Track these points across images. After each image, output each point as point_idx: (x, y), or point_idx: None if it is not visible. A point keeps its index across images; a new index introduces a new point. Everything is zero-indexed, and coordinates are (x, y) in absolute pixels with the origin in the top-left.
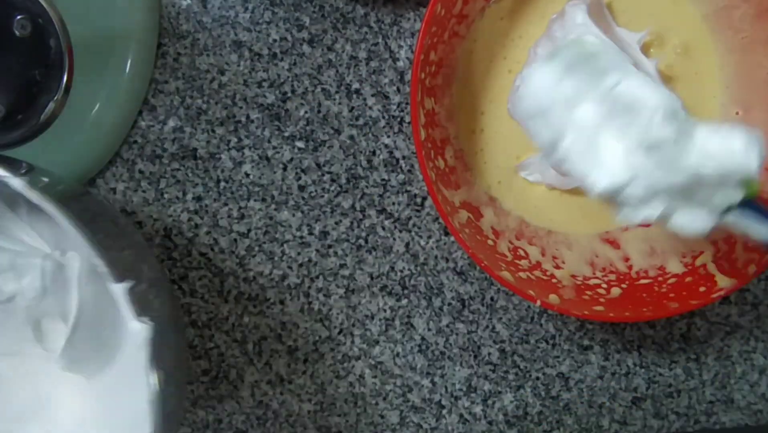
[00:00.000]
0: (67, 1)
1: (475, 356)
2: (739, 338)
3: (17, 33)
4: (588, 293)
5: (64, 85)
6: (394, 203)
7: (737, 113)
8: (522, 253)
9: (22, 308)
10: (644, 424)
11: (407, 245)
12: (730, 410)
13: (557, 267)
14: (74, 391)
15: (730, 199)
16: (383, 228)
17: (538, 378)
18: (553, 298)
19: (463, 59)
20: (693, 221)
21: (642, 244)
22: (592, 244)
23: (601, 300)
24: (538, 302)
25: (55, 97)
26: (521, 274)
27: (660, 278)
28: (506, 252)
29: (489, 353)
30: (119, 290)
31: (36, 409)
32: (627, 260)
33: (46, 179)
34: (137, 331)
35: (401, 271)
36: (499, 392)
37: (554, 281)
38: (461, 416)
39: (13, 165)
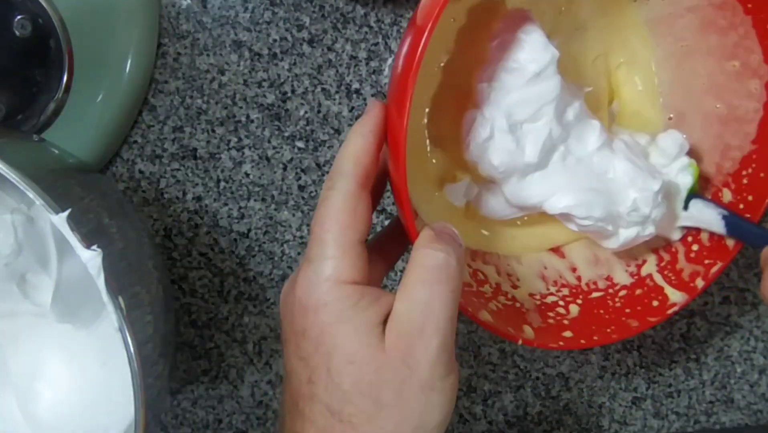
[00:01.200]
0: (67, 1)
1: (475, 356)
2: (739, 338)
3: (17, 33)
4: (550, 314)
5: (64, 85)
6: (394, 203)
7: (670, 118)
8: (481, 276)
9: (1, 266)
10: (644, 424)
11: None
12: (730, 410)
13: (514, 286)
14: (72, 345)
15: (686, 184)
16: (383, 228)
17: (538, 378)
18: (527, 331)
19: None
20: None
21: (585, 251)
22: (539, 255)
23: (565, 321)
24: (520, 341)
25: (55, 97)
26: (491, 305)
27: (611, 290)
28: (469, 279)
29: (489, 353)
30: (61, 221)
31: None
32: (574, 270)
33: (56, 151)
34: (89, 258)
35: (401, 271)
36: (499, 392)
37: (517, 305)
38: (461, 416)
39: (24, 136)
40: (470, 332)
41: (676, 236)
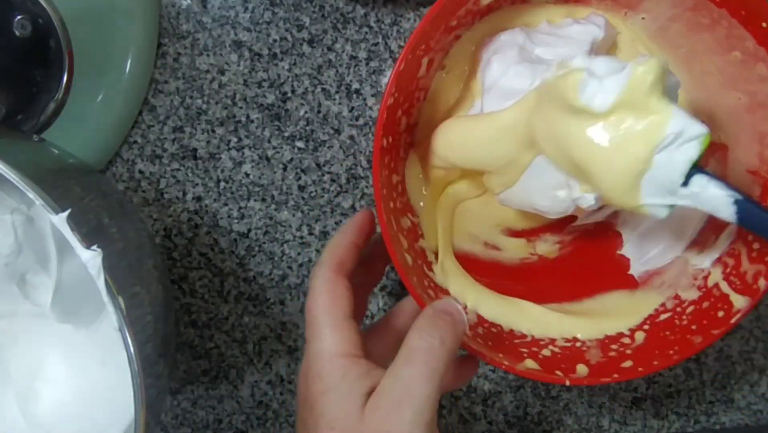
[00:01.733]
0: (67, 1)
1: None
2: (739, 338)
3: (17, 33)
4: (613, 346)
5: (64, 85)
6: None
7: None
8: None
9: (1, 266)
10: (644, 424)
11: None
12: (730, 410)
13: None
14: (72, 345)
15: (691, 155)
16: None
17: None
18: (580, 370)
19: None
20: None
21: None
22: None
23: (628, 351)
24: (567, 382)
25: (55, 97)
26: (545, 351)
27: (678, 309)
28: (523, 331)
29: None
30: (61, 221)
31: (35, 368)
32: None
33: (56, 151)
34: (89, 258)
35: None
36: (499, 392)
37: (578, 344)
38: (461, 416)
39: (24, 136)
40: None
41: (662, 213)
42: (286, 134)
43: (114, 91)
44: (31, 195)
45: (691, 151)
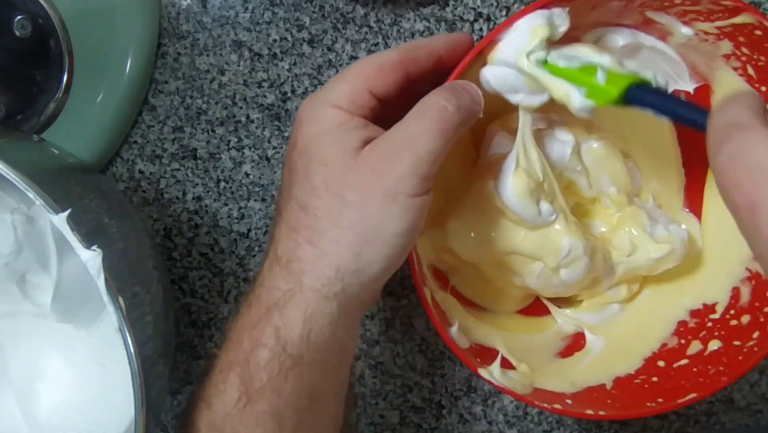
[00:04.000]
0: (67, 1)
1: None
2: None
3: (17, 33)
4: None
5: (64, 85)
6: None
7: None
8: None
9: (1, 266)
10: (644, 424)
11: None
12: (730, 410)
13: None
14: (72, 345)
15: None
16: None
17: None
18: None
19: None
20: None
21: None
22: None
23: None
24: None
25: (55, 97)
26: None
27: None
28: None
29: None
30: (61, 221)
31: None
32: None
33: (56, 151)
34: (89, 258)
35: (401, 271)
36: (499, 392)
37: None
38: (461, 416)
39: (24, 136)
40: None
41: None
42: (286, 134)
43: (114, 91)
44: (31, 195)
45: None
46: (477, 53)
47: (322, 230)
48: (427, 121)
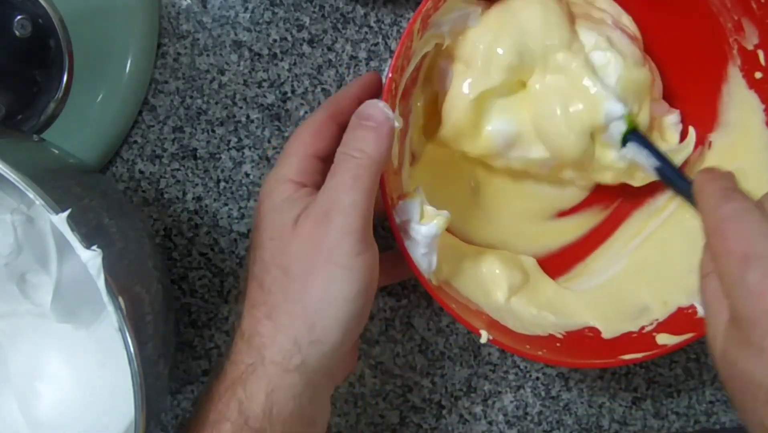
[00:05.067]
0: (67, 1)
1: (475, 356)
2: None
3: (17, 33)
4: None
5: (64, 85)
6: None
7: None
8: None
9: (1, 266)
10: (644, 424)
11: None
12: (730, 410)
13: None
14: (72, 345)
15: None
16: (383, 228)
17: (538, 378)
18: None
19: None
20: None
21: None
22: None
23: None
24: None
25: (55, 97)
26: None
27: None
28: None
29: (489, 353)
30: (61, 221)
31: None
32: None
33: (56, 151)
34: (89, 258)
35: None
36: (499, 392)
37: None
38: (461, 416)
39: (24, 136)
40: (470, 333)
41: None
42: (286, 134)
43: (114, 91)
44: (31, 195)
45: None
46: (390, 85)
47: (276, 304)
48: (339, 176)
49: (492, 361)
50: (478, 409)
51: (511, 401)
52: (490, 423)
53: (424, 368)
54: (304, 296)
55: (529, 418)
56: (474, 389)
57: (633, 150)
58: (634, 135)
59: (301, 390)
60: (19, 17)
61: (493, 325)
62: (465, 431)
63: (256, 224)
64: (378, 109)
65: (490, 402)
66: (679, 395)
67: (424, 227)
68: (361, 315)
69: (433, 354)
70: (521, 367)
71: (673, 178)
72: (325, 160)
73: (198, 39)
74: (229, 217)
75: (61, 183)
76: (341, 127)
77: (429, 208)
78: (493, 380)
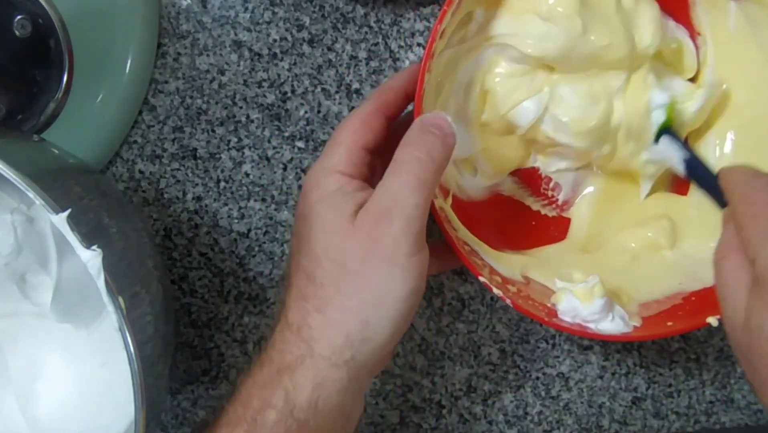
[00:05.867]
0: (67, 1)
1: (475, 356)
2: None
3: (17, 33)
4: None
5: (64, 85)
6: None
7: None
8: None
9: (1, 266)
10: (644, 424)
11: None
12: (730, 410)
13: None
14: (72, 345)
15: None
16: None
17: (538, 378)
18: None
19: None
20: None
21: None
22: None
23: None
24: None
25: (55, 97)
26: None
27: None
28: None
29: (489, 353)
30: (61, 221)
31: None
32: None
33: (56, 151)
34: (89, 258)
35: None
36: (499, 392)
37: None
38: (461, 416)
39: (24, 136)
40: (470, 333)
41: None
42: (286, 134)
43: (114, 91)
44: (31, 195)
45: (660, 117)
46: (423, 74)
47: (328, 298)
48: (405, 177)
49: (492, 361)
50: (478, 409)
51: (511, 401)
52: (490, 423)
53: (424, 368)
54: (359, 292)
55: (529, 418)
56: (474, 389)
57: (665, 144)
58: (667, 131)
59: (347, 385)
60: (19, 17)
61: None
62: (465, 431)
63: (302, 214)
64: (444, 120)
65: (490, 402)
66: (679, 395)
67: None
68: (410, 314)
69: (433, 354)
70: (521, 367)
71: (700, 171)
72: (372, 153)
73: (198, 39)
74: (229, 217)
75: (61, 183)
76: (389, 120)
77: None
78: (493, 380)
